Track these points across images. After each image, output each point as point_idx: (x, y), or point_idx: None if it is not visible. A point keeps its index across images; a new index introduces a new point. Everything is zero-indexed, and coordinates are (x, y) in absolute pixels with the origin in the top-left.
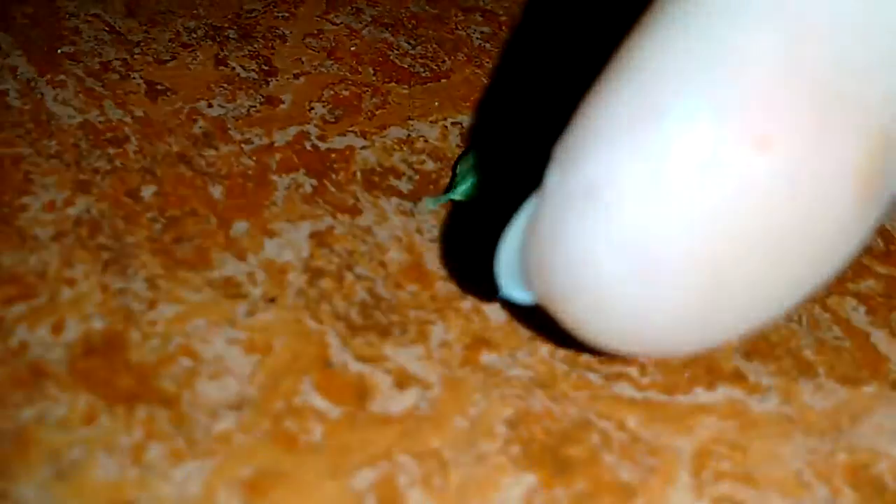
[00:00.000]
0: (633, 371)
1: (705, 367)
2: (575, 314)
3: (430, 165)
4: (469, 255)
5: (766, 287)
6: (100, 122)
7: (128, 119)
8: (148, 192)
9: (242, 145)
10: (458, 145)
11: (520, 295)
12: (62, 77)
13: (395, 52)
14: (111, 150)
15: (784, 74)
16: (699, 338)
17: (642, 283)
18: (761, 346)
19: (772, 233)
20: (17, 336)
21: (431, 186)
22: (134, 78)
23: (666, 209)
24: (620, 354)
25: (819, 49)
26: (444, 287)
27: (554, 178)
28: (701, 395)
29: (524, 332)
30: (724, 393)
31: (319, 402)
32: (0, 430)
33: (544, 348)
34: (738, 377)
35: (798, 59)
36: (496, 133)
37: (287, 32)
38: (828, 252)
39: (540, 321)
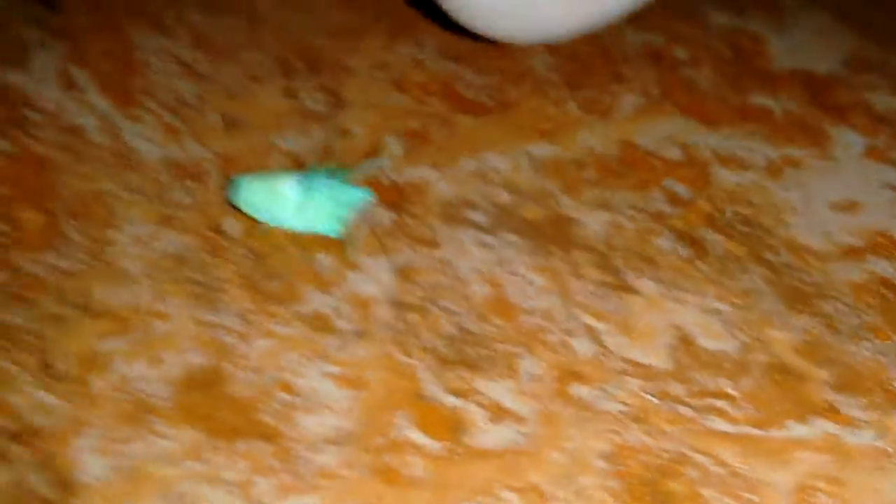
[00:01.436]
0: (724, 404)
1: (796, 400)
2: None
3: (504, 197)
4: None
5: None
6: (180, 156)
7: (207, 154)
8: (233, 226)
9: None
10: (529, 177)
11: None
12: (139, 112)
13: (461, 82)
14: (191, 184)
15: None
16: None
17: None
18: (851, 378)
19: None
20: (117, 371)
21: (507, 218)
22: (209, 112)
23: None
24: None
25: None
26: (529, 320)
27: None
28: (794, 428)
29: (612, 365)
30: (817, 426)
31: (417, 436)
32: (110, 464)
33: (633, 382)
34: (830, 410)
35: None
36: None
37: (353, 64)
38: None
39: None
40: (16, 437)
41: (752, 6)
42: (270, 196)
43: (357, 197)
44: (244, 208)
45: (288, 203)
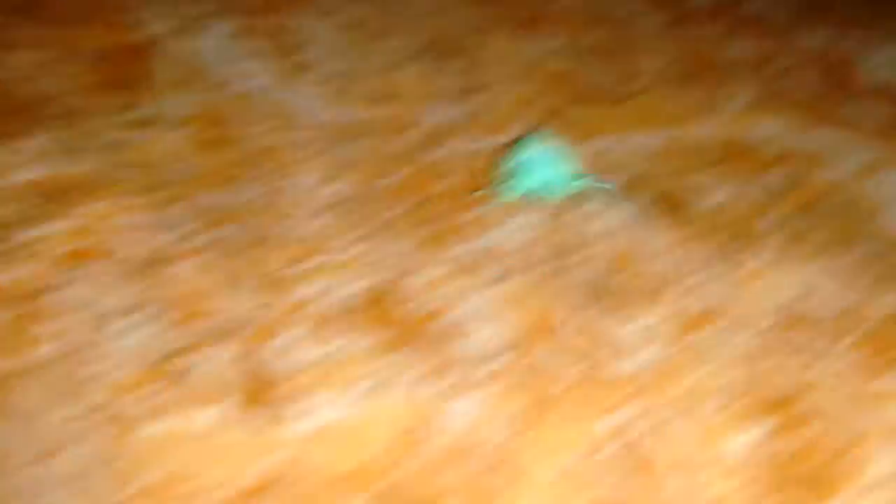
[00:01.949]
0: (827, 356)
1: None
2: None
3: (631, 171)
4: None
5: None
6: (339, 121)
7: (364, 118)
8: (397, 178)
9: (462, 147)
10: (645, 159)
11: None
12: (301, 82)
13: (584, 74)
14: (354, 143)
15: None
16: None
17: None
18: None
19: None
20: (309, 287)
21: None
22: (361, 84)
23: None
24: None
25: None
26: (650, 270)
27: None
28: None
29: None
30: None
31: (559, 358)
32: (312, 358)
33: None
34: None
35: None
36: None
37: (485, 54)
38: None
39: None
40: (222, 329)
41: (846, 24)
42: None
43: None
44: (508, 186)
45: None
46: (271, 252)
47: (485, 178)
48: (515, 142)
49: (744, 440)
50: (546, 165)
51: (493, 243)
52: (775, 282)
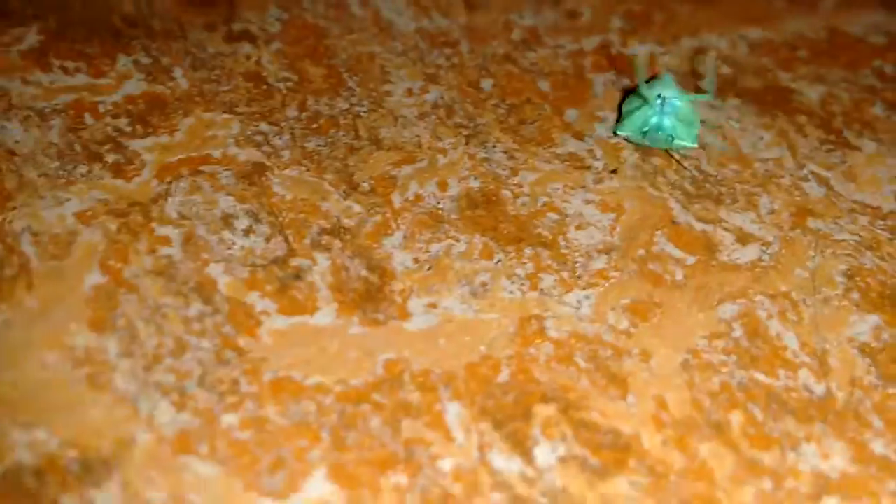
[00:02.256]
0: None
1: None
2: None
3: (725, 70)
4: None
5: None
6: (431, 27)
7: (454, 26)
8: (486, 84)
9: (557, 50)
10: (747, 55)
11: None
12: None
13: None
14: (447, 51)
15: None
16: None
17: None
18: None
19: None
20: (412, 190)
21: (731, 87)
22: None
23: None
24: None
25: None
26: (762, 167)
27: None
28: None
29: (843, 205)
30: None
31: (674, 251)
32: (418, 259)
33: (864, 219)
34: None
35: None
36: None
37: None
38: None
39: None
40: (331, 232)
41: None
42: (648, 117)
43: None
44: (633, 138)
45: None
46: (381, 154)
47: (582, 78)
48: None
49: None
50: (662, 115)
51: (592, 142)
52: (888, 172)
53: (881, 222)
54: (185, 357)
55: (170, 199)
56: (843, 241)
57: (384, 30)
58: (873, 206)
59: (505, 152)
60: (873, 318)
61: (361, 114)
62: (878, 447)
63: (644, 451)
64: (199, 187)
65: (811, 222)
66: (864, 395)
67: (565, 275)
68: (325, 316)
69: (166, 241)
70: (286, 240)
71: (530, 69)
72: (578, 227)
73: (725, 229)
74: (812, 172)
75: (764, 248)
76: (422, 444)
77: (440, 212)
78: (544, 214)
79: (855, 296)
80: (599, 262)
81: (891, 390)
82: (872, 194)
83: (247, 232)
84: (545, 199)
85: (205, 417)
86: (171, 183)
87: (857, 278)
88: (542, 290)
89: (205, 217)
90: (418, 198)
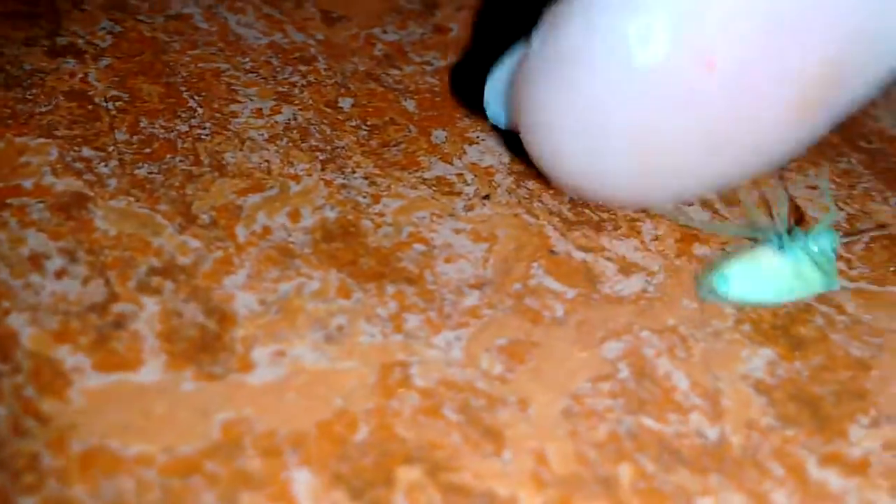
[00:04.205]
0: (841, 265)
1: None
2: (536, 151)
3: None
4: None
5: (695, 167)
6: (285, 42)
7: (311, 41)
8: (346, 103)
9: (424, 66)
10: None
11: (500, 119)
12: (240, 4)
13: None
14: (302, 68)
15: (747, 4)
16: (632, 196)
17: (589, 146)
18: None
19: (708, 134)
20: (259, 222)
21: None
22: (307, 6)
23: (615, 97)
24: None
25: None
26: None
27: (537, 41)
28: None
29: (729, 229)
30: None
31: (553, 284)
32: (265, 301)
33: (751, 244)
34: None
35: None
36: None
37: None
38: (757, 151)
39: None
40: (162, 272)
41: None
42: (761, 278)
43: (832, 239)
44: (735, 299)
45: (783, 277)
46: (225, 182)
47: (451, 96)
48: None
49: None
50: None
51: (462, 165)
52: (775, 190)
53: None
54: None
55: None
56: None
57: (232, 44)
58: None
59: (366, 178)
60: (766, 352)
61: (203, 137)
62: (780, 498)
63: None
64: (4, 223)
65: (697, 249)
66: (761, 439)
67: (433, 314)
68: (151, 371)
69: None
70: (107, 282)
71: (394, 87)
72: (447, 260)
73: (608, 259)
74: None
75: (648, 277)
76: None
77: (291, 246)
78: (409, 246)
79: (746, 328)
80: (471, 299)
81: (789, 432)
82: (763, 218)
83: (59, 274)
84: (410, 228)
85: None
86: None
87: (748, 309)
88: (406, 332)
89: (9, 258)
90: (266, 230)
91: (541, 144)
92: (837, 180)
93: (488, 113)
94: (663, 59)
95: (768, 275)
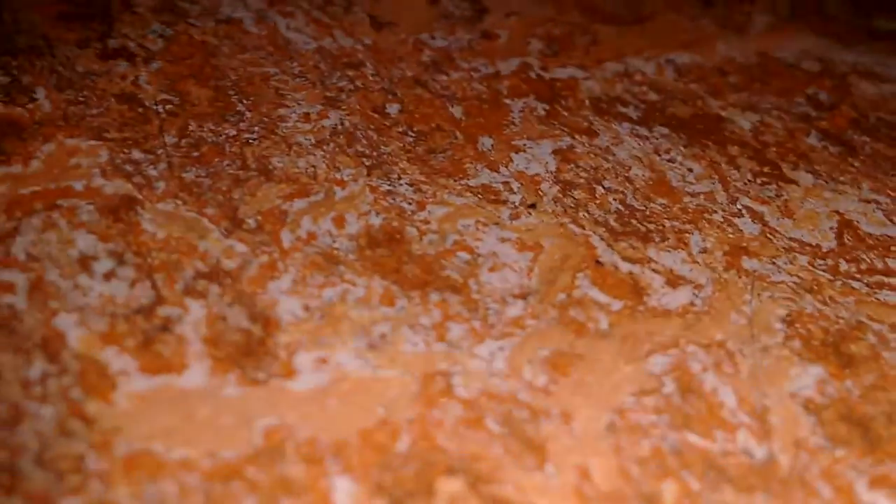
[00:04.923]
0: (894, 281)
1: None
2: None
3: (653, 96)
4: None
5: None
6: (334, 48)
7: (359, 46)
8: (393, 109)
9: (471, 73)
10: (674, 80)
11: None
12: (290, 8)
13: None
14: (350, 73)
15: None
16: None
17: None
18: None
19: None
20: (304, 227)
21: (658, 114)
22: (356, 11)
23: None
24: None
25: None
26: (692, 201)
27: None
28: None
29: (780, 243)
30: None
31: (598, 295)
32: (308, 307)
33: (803, 258)
34: None
35: None
36: None
37: None
38: None
39: None
40: (208, 275)
41: None
42: None
43: None
44: None
45: None
46: (271, 186)
47: (498, 103)
48: None
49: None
50: None
51: (509, 173)
52: (825, 206)
53: (821, 262)
54: (21, 428)
55: (18, 238)
56: (780, 282)
57: (281, 49)
58: (812, 244)
59: (411, 185)
60: (816, 370)
61: (251, 141)
62: None
63: None
64: (54, 224)
65: (746, 262)
66: (809, 460)
67: (476, 324)
68: (196, 375)
69: (9, 287)
70: (154, 285)
71: (441, 93)
72: (492, 269)
73: (654, 270)
74: (746, 207)
75: (696, 291)
76: None
77: (336, 252)
78: (454, 254)
79: (796, 344)
80: (515, 309)
81: (839, 452)
82: (811, 231)
83: (108, 276)
84: (455, 237)
85: (39, 503)
86: (21, 219)
87: (798, 325)
88: (449, 341)
89: (58, 259)
90: (311, 236)
91: None
92: (892, 194)
93: None
94: None
95: None
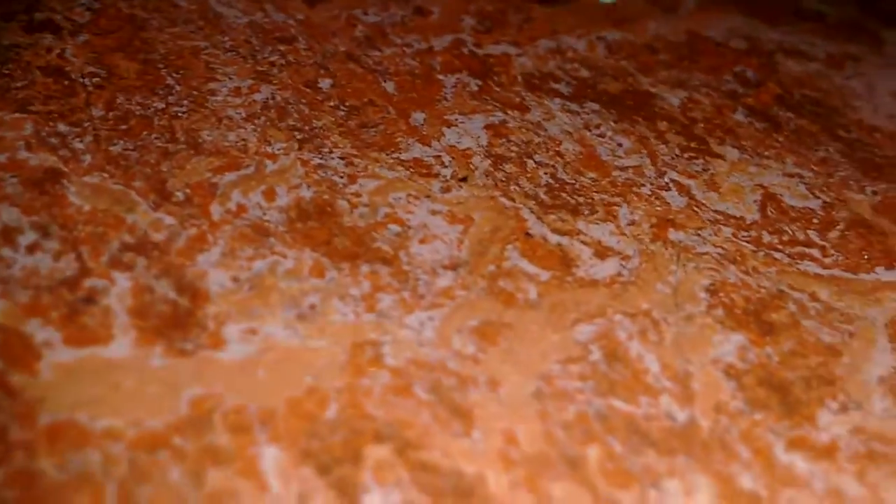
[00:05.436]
0: (815, 252)
1: (882, 250)
2: None
3: (584, 73)
4: None
5: None
6: (265, 22)
7: (291, 21)
8: (325, 83)
9: (404, 48)
10: (605, 57)
11: None
12: None
13: None
14: (282, 47)
15: None
16: None
17: None
18: None
19: None
20: (234, 199)
21: (589, 90)
22: None
23: None
24: None
25: None
26: (621, 175)
27: None
28: (883, 274)
29: (706, 216)
30: None
31: (528, 266)
32: (238, 278)
33: (727, 230)
34: None
35: None
36: None
37: None
38: None
39: None
40: (136, 248)
41: None
42: None
43: None
44: None
45: None
46: (201, 159)
47: (431, 79)
48: None
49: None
50: None
51: (440, 147)
52: (750, 180)
53: (745, 234)
54: None
55: None
56: (705, 253)
57: (211, 22)
58: (736, 216)
59: (343, 158)
60: (738, 337)
61: (180, 114)
62: (746, 481)
63: (490, 494)
64: None
65: (672, 234)
66: (730, 423)
67: (406, 294)
68: (122, 346)
69: None
70: (79, 257)
71: (374, 68)
72: (422, 241)
73: (583, 242)
74: (673, 181)
75: (623, 262)
76: (231, 498)
77: (266, 224)
78: (385, 227)
79: (718, 312)
80: (445, 280)
81: (758, 416)
82: (736, 204)
83: (32, 249)
84: (386, 209)
85: None
86: None
87: (721, 294)
88: (379, 311)
89: None
90: (241, 208)
91: None
92: (815, 168)
93: None
94: None
95: None
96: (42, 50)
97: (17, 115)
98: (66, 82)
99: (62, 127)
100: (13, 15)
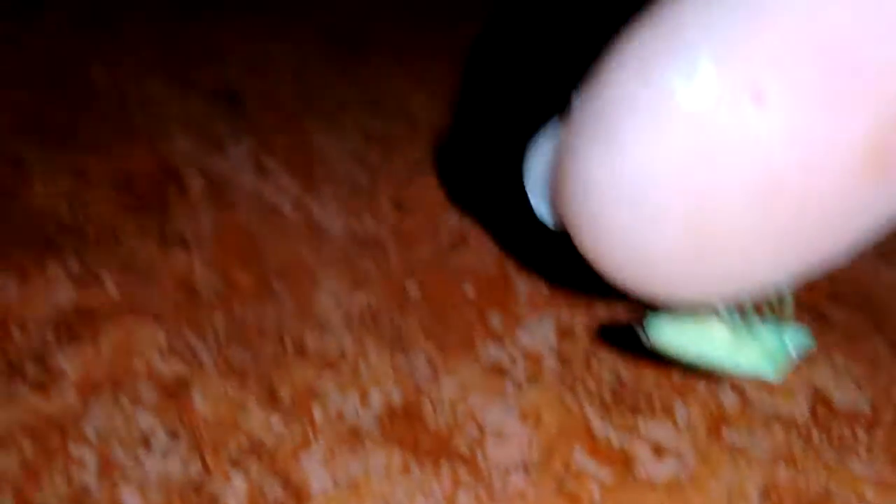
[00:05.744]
0: (862, 449)
1: None
2: (582, 235)
3: None
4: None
5: (760, 241)
6: (359, 231)
7: (383, 230)
8: (412, 288)
9: (485, 249)
10: None
11: (545, 213)
12: (322, 194)
13: None
14: (375, 253)
15: (797, 34)
16: (691, 283)
17: (638, 218)
18: None
19: (767, 187)
20: (333, 402)
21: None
22: (380, 195)
23: (664, 149)
24: (631, 292)
25: (840, 12)
26: (678, 373)
27: (576, 103)
28: None
29: (758, 413)
30: None
31: (592, 466)
32: (335, 477)
33: (778, 428)
34: None
35: (815, 20)
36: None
37: None
38: (828, 222)
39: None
40: (248, 451)
41: None
42: (699, 335)
43: (800, 339)
44: (666, 349)
45: (721, 343)
46: (306, 366)
47: (507, 281)
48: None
49: None
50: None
51: (514, 347)
52: (808, 371)
53: (795, 433)
54: None
55: (85, 419)
56: (757, 452)
57: (314, 231)
58: (787, 416)
59: (428, 362)
60: None
61: (287, 322)
62: None
63: None
64: (118, 404)
65: (726, 433)
66: None
67: (482, 492)
68: None
69: (78, 464)
70: (203, 460)
71: (457, 272)
72: (496, 441)
73: (643, 442)
74: (727, 381)
75: (680, 462)
76: None
77: (360, 426)
78: (464, 428)
79: None
80: (517, 479)
81: None
82: (787, 403)
83: (160, 453)
84: (464, 410)
85: None
86: (89, 399)
87: (773, 495)
88: None
89: (121, 435)
90: (339, 411)
91: (586, 224)
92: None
93: (532, 202)
94: (708, 95)
95: (706, 337)
96: (174, 264)
97: (152, 326)
98: (192, 294)
99: (190, 337)
100: (147, 231)
